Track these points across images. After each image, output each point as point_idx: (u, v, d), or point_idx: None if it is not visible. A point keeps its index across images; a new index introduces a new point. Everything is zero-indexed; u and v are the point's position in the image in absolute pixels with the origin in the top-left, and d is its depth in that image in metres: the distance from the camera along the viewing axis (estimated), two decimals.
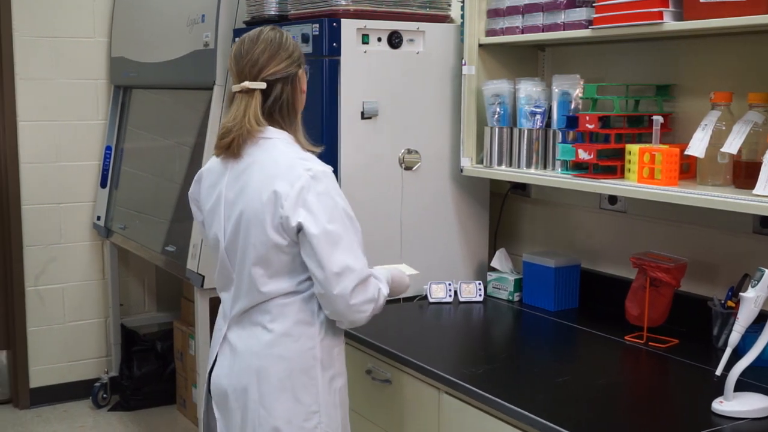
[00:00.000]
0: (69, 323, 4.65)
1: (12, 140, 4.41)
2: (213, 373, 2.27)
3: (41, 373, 4.59)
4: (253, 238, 2.10)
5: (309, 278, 2.13)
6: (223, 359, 2.24)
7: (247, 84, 2.11)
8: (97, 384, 4.58)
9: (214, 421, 2.30)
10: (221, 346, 2.25)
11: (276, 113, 2.15)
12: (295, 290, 2.14)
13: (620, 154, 2.46)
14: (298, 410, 2.15)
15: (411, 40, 2.92)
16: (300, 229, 2.05)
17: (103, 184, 4.57)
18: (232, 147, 2.13)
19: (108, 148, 4.59)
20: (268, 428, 2.15)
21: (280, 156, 2.12)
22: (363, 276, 2.09)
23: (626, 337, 2.55)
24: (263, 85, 2.12)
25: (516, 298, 2.99)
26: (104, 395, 4.59)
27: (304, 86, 2.22)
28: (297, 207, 2.05)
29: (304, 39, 2.83)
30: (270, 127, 2.15)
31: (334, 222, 2.06)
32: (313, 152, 2.18)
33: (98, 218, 4.55)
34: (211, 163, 2.28)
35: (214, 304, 2.68)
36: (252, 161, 2.14)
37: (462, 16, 2.93)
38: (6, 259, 4.52)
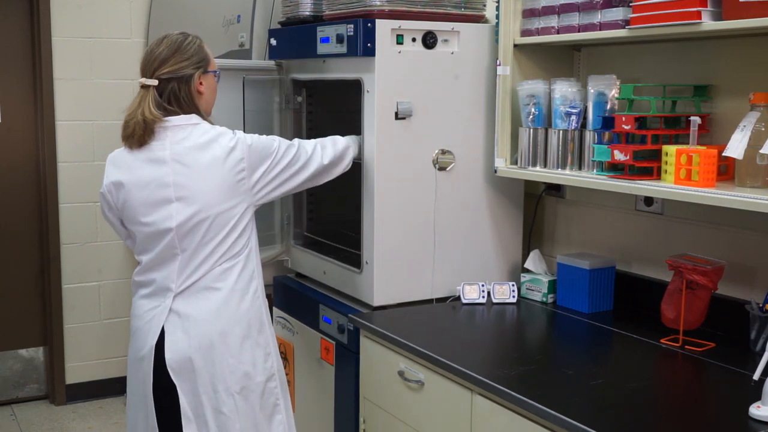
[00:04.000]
0: (105, 320, 4.71)
1: (50, 140, 4.47)
2: (166, 346, 2.39)
3: (77, 369, 4.66)
4: (215, 208, 2.35)
5: (248, 239, 2.46)
6: (175, 330, 2.40)
7: (142, 80, 2.40)
8: None
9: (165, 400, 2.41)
10: (167, 320, 2.40)
11: (173, 106, 2.38)
12: (240, 251, 2.44)
13: (657, 156, 2.44)
14: (258, 353, 2.48)
15: (445, 41, 2.91)
16: (261, 168, 2.43)
17: None
18: (136, 135, 2.37)
19: None
20: (239, 374, 2.44)
21: (202, 132, 2.39)
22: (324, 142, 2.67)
23: (662, 340, 2.53)
24: (155, 82, 2.38)
25: (550, 300, 2.98)
26: None
27: (204, 88, 2.46)
28: (251, 157, 2.41)
29: (339, 39, 2.83)
30: (175, 117, 2.37)
31: (282, 141, 2.53)
32: None
33: None
34: (122, 173, 2.41)
35: None
36: (186, 146, 2.36)
37: (497, 16, 2.92)
38: (43, 256, 4.59)
